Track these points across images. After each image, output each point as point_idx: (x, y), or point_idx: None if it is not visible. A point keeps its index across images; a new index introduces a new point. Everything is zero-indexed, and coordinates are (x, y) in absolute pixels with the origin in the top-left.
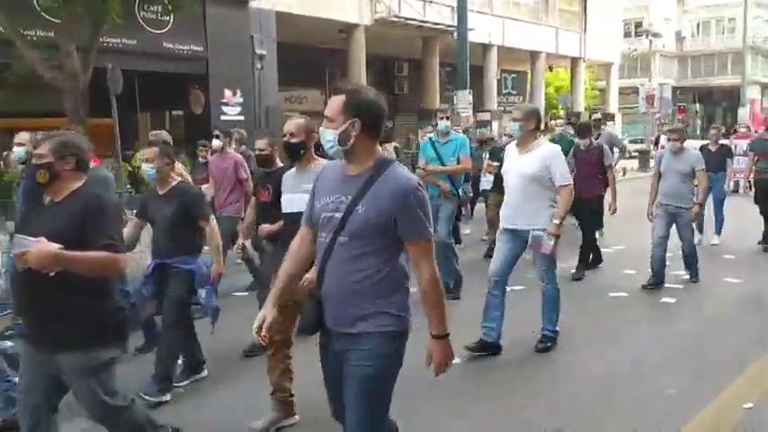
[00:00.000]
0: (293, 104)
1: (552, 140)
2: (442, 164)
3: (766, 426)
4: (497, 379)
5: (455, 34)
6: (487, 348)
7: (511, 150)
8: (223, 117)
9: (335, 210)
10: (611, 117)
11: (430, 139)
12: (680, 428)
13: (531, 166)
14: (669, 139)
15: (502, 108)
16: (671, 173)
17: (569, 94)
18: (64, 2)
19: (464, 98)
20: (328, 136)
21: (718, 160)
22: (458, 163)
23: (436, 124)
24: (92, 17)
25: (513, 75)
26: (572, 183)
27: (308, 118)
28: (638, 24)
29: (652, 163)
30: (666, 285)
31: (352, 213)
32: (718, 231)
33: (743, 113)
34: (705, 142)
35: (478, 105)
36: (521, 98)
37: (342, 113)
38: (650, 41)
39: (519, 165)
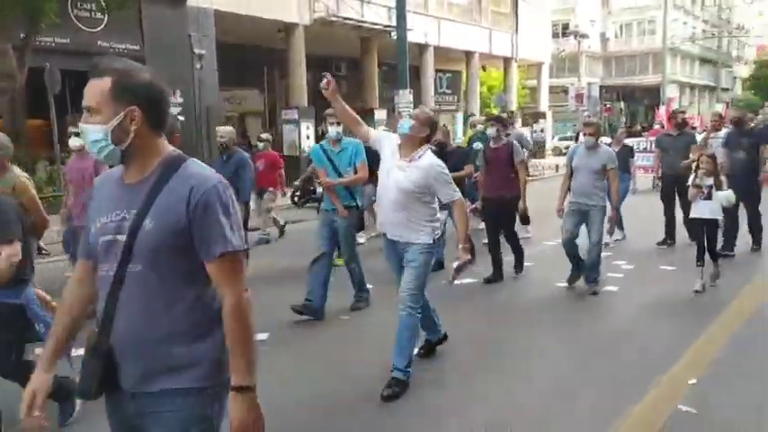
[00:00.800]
0: (232, 104)
1: (472, 138)
2: (339, 174)
3: (710, 397)
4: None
5: (393, 34)
6: (433, 348)
7: (391, 151)
8: None
9: (117, 231)
10: (543, 115)
11: (321, 146)
12: (635, 400)
13: (410, 180)
14: (584, 134)
15: (438, 107)
16: (583, 170)
17: (504, 93)
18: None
19: (405, 97)
20: (93, 134)
21: (621, 160)
22: (355, 172)
23: (327, 130)
24: (28, 16)
25: (447, 74)
26: (461, 196)
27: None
28: (566, 26)
29: None
30: (609, 275)
31: (138, 232)
32: (621, 227)
33: (663, 111)
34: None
35: (416, 104)
36: (455, 97)
37: (111, 101)
38: (578, 42)
39: (398, 177)
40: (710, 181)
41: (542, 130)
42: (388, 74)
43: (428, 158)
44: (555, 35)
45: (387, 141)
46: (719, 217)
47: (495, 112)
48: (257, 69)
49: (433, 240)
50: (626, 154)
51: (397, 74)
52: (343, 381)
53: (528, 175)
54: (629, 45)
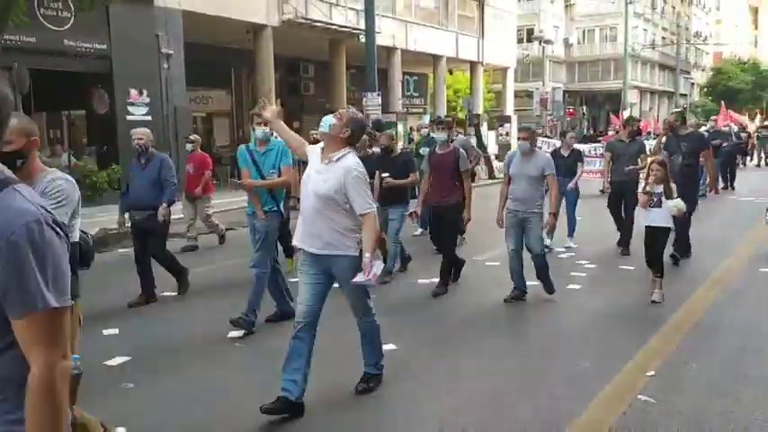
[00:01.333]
0: (198, 105)
1: (420, 143)
2: (262, 177)
3: (668, 388)
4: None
5: (361, 37)
6: (289, 409)
7: (314, 155)
8: (129, 117)
9: None
10: (508, 119)
11: (246, 146)
12: (597, 392)
13: (327, 185)
14: (519, 138)
15: (405, 109)
16: (520, 177)
17: (470, 97)
18: None
19: (373, 100)
20: None
21: (569, 165)
22: (279, 175)
23: (253, 129)
24: None
25: (414, 77)
26: (375, 209)
27: (30, 120)
28: (531, 31)
29: None
30: (572, 273)
31: None
32: (571, 234)
33: (626, 116)
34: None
35: (384, 107)
36: (422, 100)
37: None
38: (543, 48)
39: (316, 181)
40: (660, 188)
41: (507, 134)
42: (356, 76)
43: (348, 161)
44: (520, 40)
45: (316, 150)
46: (671, 225)
47: (462, 115)
48: (224, 69)
49: (359, 252)
50: (575, 158)
51: (365, 76)
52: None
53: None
54: (591, 51)
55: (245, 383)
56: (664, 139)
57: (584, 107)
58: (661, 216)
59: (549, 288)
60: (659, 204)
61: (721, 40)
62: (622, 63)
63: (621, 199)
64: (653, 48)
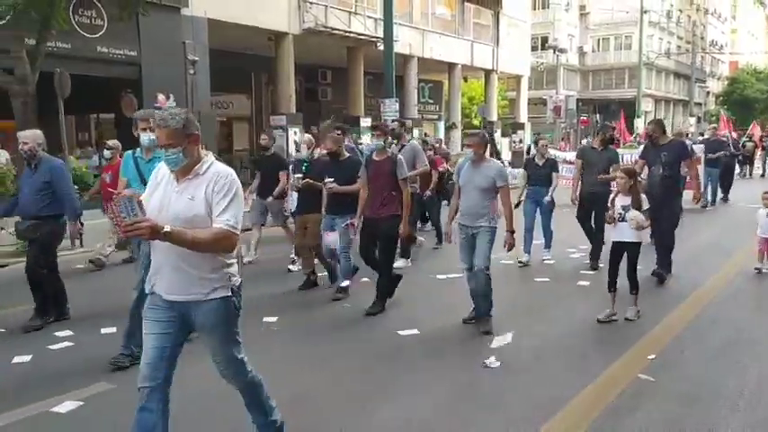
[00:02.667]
0: (219, 109)
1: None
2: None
3: (668, 369)
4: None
5: (379, 44)
6: None
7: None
8: None
9: None
10: (522, 126)
11: (132, 153)
12: (599, 372)
13: (192, 205)
14: (465, 145)
15: (421, 116)
16: (469, 187)
17: (485, 104)
18: (15, 7)
19: (391, 106)
20: None
21: (544, 174)
22: None
23: (138, 135)
24: (41, 22)
25: (429, 84)
26: (235, 226)
27: None
28: (545, 39)
29: None
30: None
31: None
32: (548, 246)
33: (638, 124)
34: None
35: (400, 113)
36: (437, 107)
37: None
38: (557, 56)
39: (177, 207)
40: (627, 200)
41: (520, 141)
42: (372, 83)
43: (216, 168)
44: (534, 48)
45: (159, 172)
46: (640, 240)
47: (477, 122)
48: (244, 75)
49: (233, 290)
50: (550, 167)
51: (382, 83)
52: None
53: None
54: (605, 59)
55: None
56: (640, 148)
57: (598, 115)
58: (629, 230)
59: (480, 311)
60: (626, 218)
61: (737, 49)
62: (637, 71)
63: (591, 210)
64: (668, 56)
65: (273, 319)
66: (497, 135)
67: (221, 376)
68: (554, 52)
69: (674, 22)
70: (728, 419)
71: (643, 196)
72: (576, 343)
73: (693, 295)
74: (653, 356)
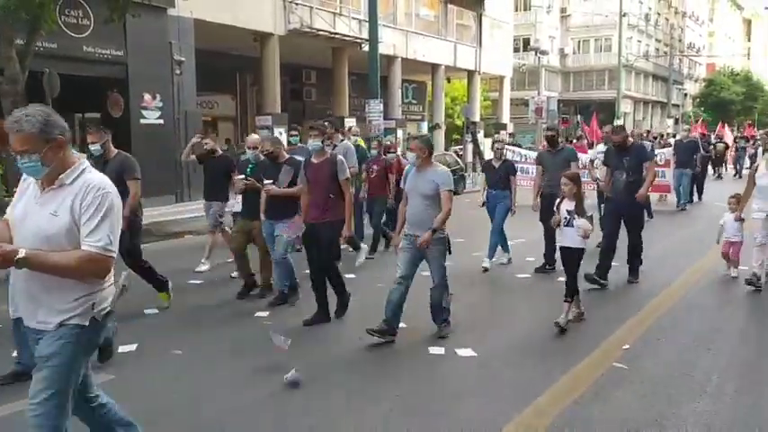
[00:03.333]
0: (204, 109)
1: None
2: None
3: (641, 357)
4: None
5: (363, 46)
6: None
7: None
8: (143, 120)
9: None
10: (504, 127)
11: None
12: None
13: (55, 219)
14: (408, 149)
15: (404, 116)
16: (413, 194)
17: (468, 105)
18: (8, 8)
19: (375, 107)
20: None
21: (500, 177)
22: None
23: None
24: (30, 23)
25: (413, 85)
26: (114, 253)
27: None
28: (527, 41)
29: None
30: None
31: None
32: (491, 255)
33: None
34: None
35: (384, 114)
36: (420, 107)
37: None
38: (538, 58)
39: (38, 221)
40: (572, 205)
41: (502, 141)
42: (356, 83)
43: (86, 179)
44: (516, 50)
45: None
46: (584, 246)
47: (460, 122)
48: (229, 75)
49: (92, 321)
50: (507, 169)
51: (366, 83)
52: None
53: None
54: (586, 61)
55: None
56: (599, 147)
57: (579, 116)
58: (572, 236)
59: (442, 319)
60: (571, 223)
61: (715, 51)
62: (616, 73)
63: (551, 212)
64: (646, 59)
65: (199, 335)
66: (480, 135)
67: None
68: (536, 54)
69: (653, 25)
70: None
71: (589, 202)
72: (540, 343)
73: (664, 293)
74: (627, 346)
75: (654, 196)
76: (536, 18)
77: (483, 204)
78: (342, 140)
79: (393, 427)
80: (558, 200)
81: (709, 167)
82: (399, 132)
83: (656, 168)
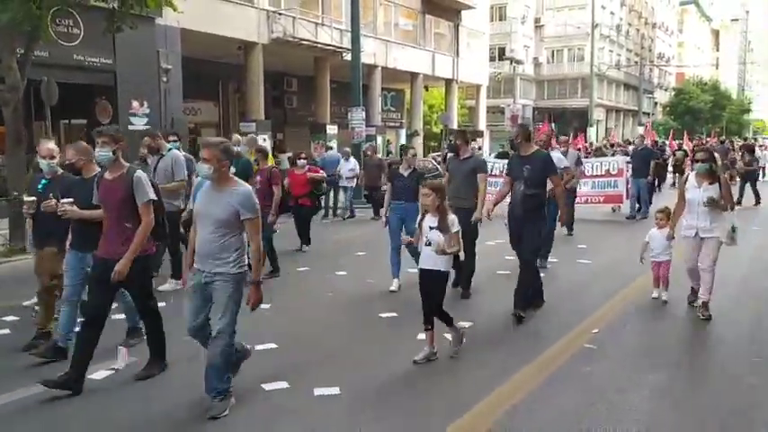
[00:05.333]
0: (188, 115)
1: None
2: None
3: (609, 341)
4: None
5: (345, 55)
6: None
7: None
8: (131, 127)
9: None
10: (481, 134)
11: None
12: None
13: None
14: (202, 158)
15: (384, 124)
16: (204, 219)
17: (446, 112)
18: (15, 20)
19: (357, 114)
20: None
21: (409, 186)
22: None
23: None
24: (28, 33)
25: (392, 93)
26: None
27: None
28: (502, 50)
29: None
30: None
31: None
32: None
33: (591, 132)
34: None
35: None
36: (399, 114)
37: None
38: (514, 67)
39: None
40: (435, 221)
41: (480, 148)
42: (336, 91)
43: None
44: (492, 59)
45: None
46: (447, 269)
47: (437, 129)
48: (212, 82)
49: None
50: (417, 179)
51: (347, 91)
52: None
53: None
54: (559, 70)
55: None
56: (553, 153)
57: (553, 124)
58: (433, 256)
59: (211, 386)
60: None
61: (684, 61)
62: (589, 82)
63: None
64: (618, 68)
65: None
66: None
67: None
68: (511, 63)
69: (624, 36)
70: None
71: (452, 217)
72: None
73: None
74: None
75: (605, 208)
76: (511, 28)
77: (387, 224)
78: (170, 149)
79: None
80: (419, 217)
81: (669, 175)
82: (379, 138)
83: (609, 178)
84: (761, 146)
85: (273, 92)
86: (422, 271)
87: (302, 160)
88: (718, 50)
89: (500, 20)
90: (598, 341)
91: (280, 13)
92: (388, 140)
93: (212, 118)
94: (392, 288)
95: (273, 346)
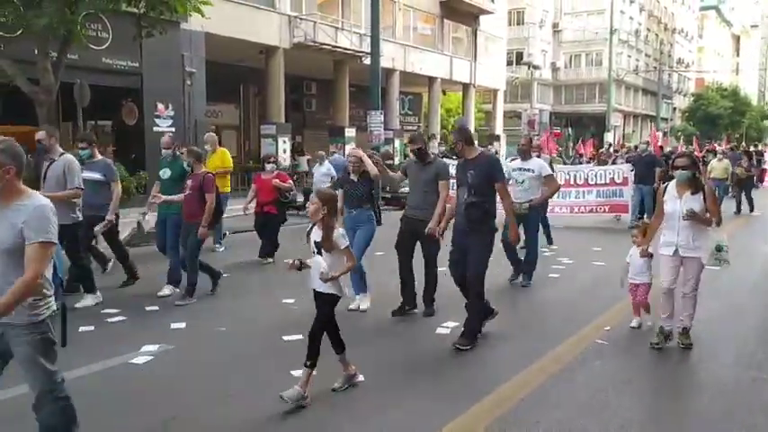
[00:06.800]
0: (209, 118)
1: (162, 163)
2: None
3: (620, 338)
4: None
5: (365, 59)
6: None
7: None
8: (156, 129)
9: None
10: (497, 138)
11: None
12: (564, 340)
13: None
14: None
15: (401, 127)
16: None
17: (463, 116)
18: (52, 25)
19: (376, 118)
20: None
21: (362, 193)
22: None
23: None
24: (64, 37)
25: (409, 97)
26: None
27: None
28: (520, 55)
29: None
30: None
31: None
32: (363, 289)
33: (608, 137)
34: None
35: (386, 125)
36: (416, 118)
37: None
38: (531, 72)
39: None
40: (320, 235)
41: (496, 152)
42: (355, 94)
43: None
44: (509, 63)
45: None
46: (337, 292)
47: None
48: (234, 86)
49: None
50: (369, 185)
51: (365, 95)
52: None
53: None
54: (577, 75)
55: None
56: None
57: (570, 129)
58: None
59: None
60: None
61: (704, 66)
62: (607, 87)
63: (413, 241)
64: (636, 73)
65: None
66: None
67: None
68: (528, 68)
69: (642, 41)
70: None
71: (339, 232)
72: None
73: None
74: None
75: (607, 216)
76: (529, 33)
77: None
78: (62, 153)
79: None
80: (308, 229)
81: None
82: (397, 142)
83: (614, 187)
84: None
85: (293, 95)
86: (315, 292)
87: (270, 164)
88: (738, 56)
89: (518, 24)
90: (609, 338)
91: (301, 18)
92: (405, 143)
93: (233, 121)
94: (352, 306)
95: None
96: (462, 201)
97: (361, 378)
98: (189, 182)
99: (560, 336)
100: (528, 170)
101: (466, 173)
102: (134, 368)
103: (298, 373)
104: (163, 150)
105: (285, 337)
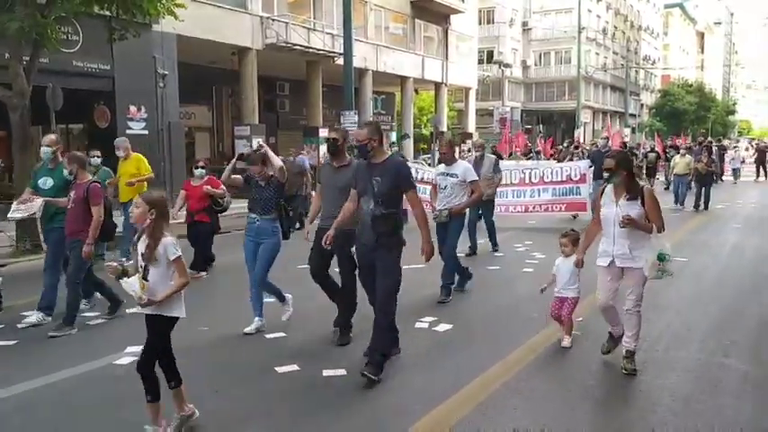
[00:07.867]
0: (182, 119)
1: (41, 170)
2: None
3: (592, 329)
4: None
5: (336, 59)
6: None
7: None
8: (129, 131)
9: None
10: (470, 136)
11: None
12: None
13: None
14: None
15: None
16: None
17: (436, 115)
18: (24, 30)
19: (350, 117)
20: None
21: (268, 199)
22: None
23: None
24: (35, 41)
25: (382, 96)
26: None
27: None
28: (491, 53)
29: None
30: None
31: None
32: (259, 312)
33: (578, 134)
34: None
35: (357, 124)
36: (389, 117)
37: None
38: (502, 70)
39: None
40: (144, 245)
41: (469, 150)
42: (328, 95)
43: None
44: (480, 61)
45: None
46: (168, 314)
47: (427, 132)
48: (206, 87)
49: None
50: (276, 189)
51: (338, 95)
52: None
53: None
54: (547, 73)
55: None
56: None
57: (541, 126)
58: (150, 291)
59: None
60: (145, 275)
61: (669, 63)
62: (576, 84)
63: (331, 256)
64: (604, 70)
65: None
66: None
67: None
68: (499, 66)
69: (610, 39)
70: None
71: (167, 241)
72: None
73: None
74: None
75: (565, 215)
76: (499, 32)
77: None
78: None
79: None
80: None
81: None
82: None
83: (570, 184)
84: (734, 147)
85: (266, 96)
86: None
87: (200, 169)
88: (702, 53)
89: (488, 23)
90: (582, 327)
91: (273, 19)
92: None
93: (206, 122)
94: (247, 330)
95: None
96: (368, 212)
97: (197, 414)
98: (72, 193)
99: (537, 325)
100: (451, 175)
101: (371, 179)
102: (119, 369)
103: (282, 369)
104: (43, 150)
105: (268, 336)
